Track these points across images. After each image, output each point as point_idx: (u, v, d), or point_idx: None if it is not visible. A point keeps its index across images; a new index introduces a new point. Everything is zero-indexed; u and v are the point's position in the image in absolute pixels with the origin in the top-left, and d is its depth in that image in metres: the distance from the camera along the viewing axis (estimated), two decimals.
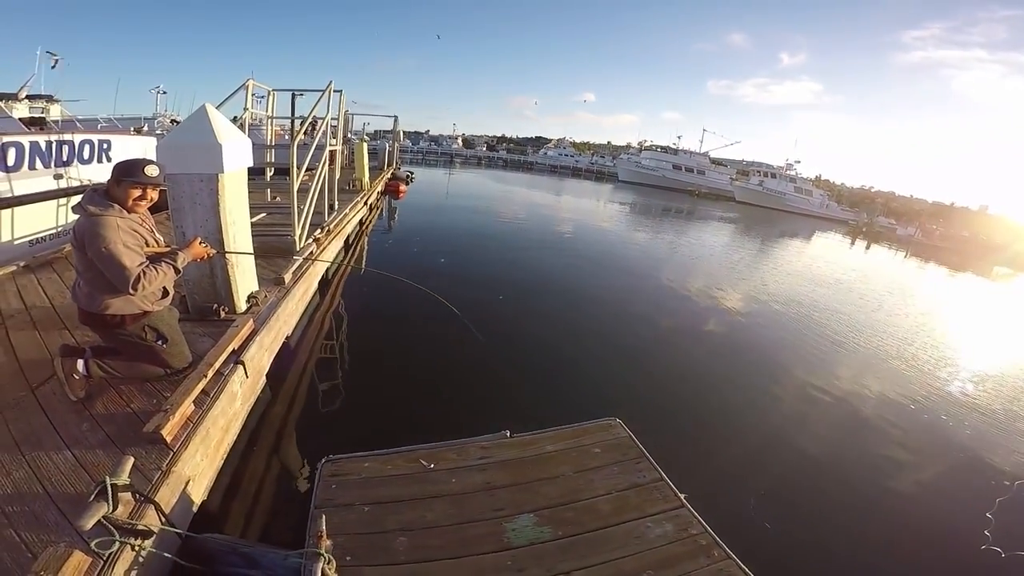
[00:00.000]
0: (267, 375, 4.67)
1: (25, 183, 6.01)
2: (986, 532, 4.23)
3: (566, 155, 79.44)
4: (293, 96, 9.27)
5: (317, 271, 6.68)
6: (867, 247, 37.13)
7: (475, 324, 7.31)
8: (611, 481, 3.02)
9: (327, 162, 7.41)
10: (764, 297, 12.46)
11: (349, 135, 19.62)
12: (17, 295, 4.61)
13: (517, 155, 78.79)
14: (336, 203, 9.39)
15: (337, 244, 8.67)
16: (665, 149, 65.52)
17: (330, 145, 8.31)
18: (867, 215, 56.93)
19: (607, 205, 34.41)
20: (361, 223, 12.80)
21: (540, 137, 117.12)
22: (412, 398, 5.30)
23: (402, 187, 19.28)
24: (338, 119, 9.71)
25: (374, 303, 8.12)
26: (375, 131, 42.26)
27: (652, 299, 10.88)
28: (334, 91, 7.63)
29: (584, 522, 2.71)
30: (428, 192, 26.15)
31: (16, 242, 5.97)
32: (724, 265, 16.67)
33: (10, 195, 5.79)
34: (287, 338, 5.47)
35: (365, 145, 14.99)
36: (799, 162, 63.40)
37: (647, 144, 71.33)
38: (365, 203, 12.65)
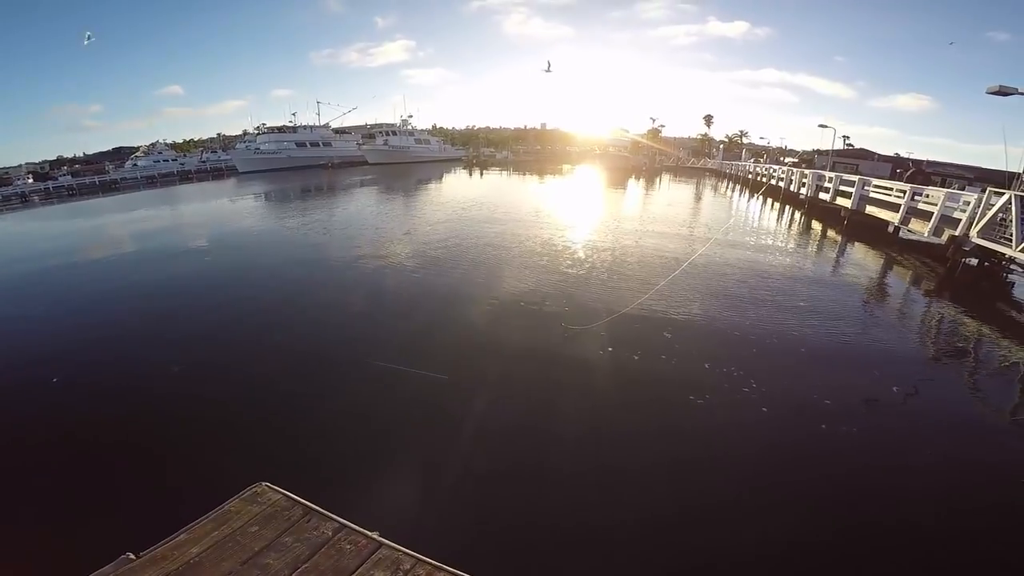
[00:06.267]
0: None
1: None
2: None
3: (166, 160, 64.09)
4: None
5: None
6: (481, 174, 45.27)
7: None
8: (289, 555, 2.47)
9: None
10: (417, 246, 12.92)
11: None
12: None
13: (91, 176, 58.06)
14: None
15: None
16: (282, 129, 60.69)
17: None
18: (473, 149, 70.23)
19: (238, 202, 29.36)
20: None
21: (121, 148, 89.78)
22: None
23: None
24: None
25: None
26: None
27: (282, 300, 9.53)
28: None
29: None
30: None
31: None
32: (382, 227, 16.63)
33: None
34: None
35: None
36: (412, 116, 70.03)
37: (263, 128, 64.51)
38: None
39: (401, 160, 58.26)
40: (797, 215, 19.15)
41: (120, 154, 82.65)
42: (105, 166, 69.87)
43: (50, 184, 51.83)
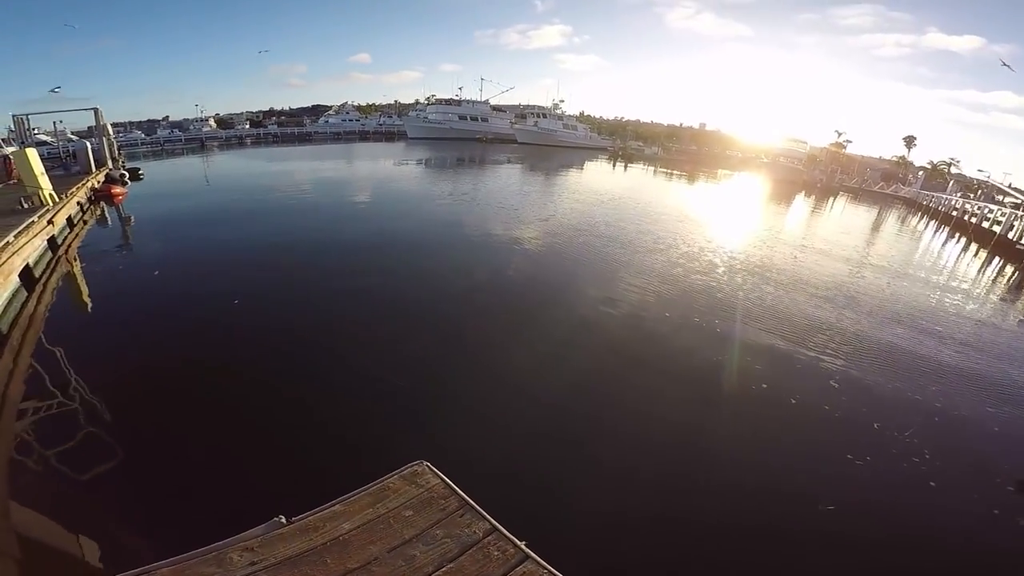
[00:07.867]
0: None
1: None
2: None
3: (351, 120, 73.83)
4: None
5: None
6: (625, 167, 44.27)
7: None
8: (437, 551, 2.33)
9: None
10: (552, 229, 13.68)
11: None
12: None
13: (292, 128, 69.68)
14: None
15: None
16: (448, 102, 65.69)
17: None
18: (620, 141, 68.47)
19: (400, 166, 33.22)
20: (54, 246, 9.75)
21: (318, 105, 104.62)
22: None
23: (116, 189, 15.24)
24: None
25: (87, 354, 6.17)
26: (89, 127, 30.19)
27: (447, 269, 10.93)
28: None
29: None
30: (177, 186, 21.28)
31: None
32: (521, 207, 17.83)
33: None
34: None
35: (31, 151, 11.45)
36: (563, 101, 70.54)
37: (433, 99, 70.54)
38: (51, 221, 9.58)
39: (547, 143, 59.28)
40: (1009, 269, 15.71)
41: (316, 111, 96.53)
42: (303, 120, 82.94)
43: (260, 131, 63.54)
